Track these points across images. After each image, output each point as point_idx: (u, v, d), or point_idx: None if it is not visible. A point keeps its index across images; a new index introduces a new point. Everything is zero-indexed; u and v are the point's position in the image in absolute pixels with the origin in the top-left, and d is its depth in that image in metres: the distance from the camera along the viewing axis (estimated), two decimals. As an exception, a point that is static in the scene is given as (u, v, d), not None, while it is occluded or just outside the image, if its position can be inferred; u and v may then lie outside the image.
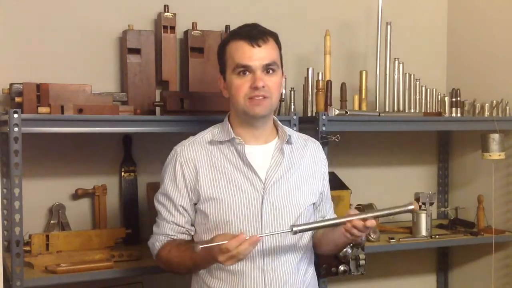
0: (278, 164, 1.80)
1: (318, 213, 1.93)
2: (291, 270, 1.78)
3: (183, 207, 1.80)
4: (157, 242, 1.84)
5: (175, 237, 1.82)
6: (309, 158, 1.89)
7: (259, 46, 1.72)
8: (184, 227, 1.82)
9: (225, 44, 1.78)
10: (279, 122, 1.87)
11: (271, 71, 1.74)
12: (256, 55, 1.72)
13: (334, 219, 1.75)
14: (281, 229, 1.74)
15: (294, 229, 1.65)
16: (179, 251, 1.76)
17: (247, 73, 1.72)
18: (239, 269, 1.74)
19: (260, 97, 1.72)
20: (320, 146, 1.97)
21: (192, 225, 1.84)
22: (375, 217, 1.67)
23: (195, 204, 1.80)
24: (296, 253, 1.81)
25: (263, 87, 1.71)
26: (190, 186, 1.79)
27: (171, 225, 1.82)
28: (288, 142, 1.83)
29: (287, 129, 1.86)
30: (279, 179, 1.79)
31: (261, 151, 1.81)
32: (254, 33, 1.73)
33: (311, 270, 1.90)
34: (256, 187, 1.76)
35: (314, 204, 1.89)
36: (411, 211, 1.70)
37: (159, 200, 1.85)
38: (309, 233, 1.87)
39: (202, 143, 1.82)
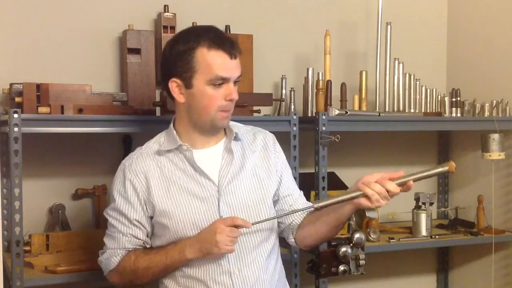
0: (228, 164, 1.77)
1: (285, 204, 1.86)
2: (259, 269, 1.74)
3: (138, 221, 1.75)
4: (113, 257, 1.76)
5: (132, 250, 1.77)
6: (260, 151, 1.84)
7: (235, 58, 1.71)
8: (142, 240, 1.77)
9: (193, 49, 1.69)
10: None
11: (236, 83, 1.74)
12: (233, 67, 1.71)
13: (354, 191, 1.65)
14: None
15: (315, 205, 1.64)
16: (149, 255, 1.73)
17: (222, 84, 1.70)
18: (204, 274, 1.71)
19: (229, 110, 1.73)
20: (271, 136, 1.90)
21: (148, 237, 1.79)
22: (402, 184, 1.63)
23: (151, 217, 1.76)
24: (263, 251, 1.77)
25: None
26: (144, 199, 1.75)
27: (129, 238, 1.76)
28: (236, 139, 1.80)
29: (234, 125, 1.82)
30: (233, 179, 1.76)
31: (210, 154, 1.77)
32: (230, 44, 1.70)
33: (279, 265, 1.85)
34: (211, 192, 1.73)
35: (275, 196, 1.84)
36: (446, 171, 1.65)
37: (111, 214, 1.79)
38: (275, 226, 1.83)
39: (150, 154, 1.78)
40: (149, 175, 1.75)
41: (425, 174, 1.67)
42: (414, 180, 1.65)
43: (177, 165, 1.76)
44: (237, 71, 1.72)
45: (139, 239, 1.77)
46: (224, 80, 1.70)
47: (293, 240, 1.87)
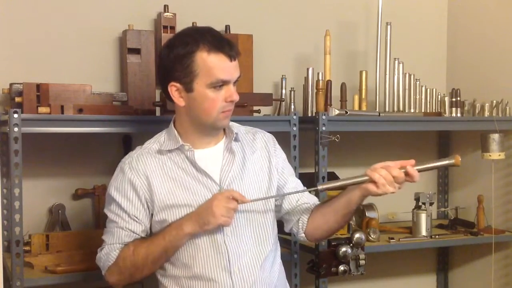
0: (230, 164, 1.77)
1: (292, 199, 1.87)
2: (258, 268, 1.74)
3: (136, 217, 1.74)
4: (112, 252, 1.74)
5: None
6: (260, 151, 1.85)
7: (234, 60, 1.71)
8: (139, 235, 1.76)
9: (192, 53, 1.67)
10: None
11: (235, 83, 1.74)
12: (233, 69, 1.71)
13: (361, 176, 1.66)
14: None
15: (319, 187, 1.64)
16: (147, 242, 1.72)
17: (223, 86, 1.70)
18: (204, 274, 1.71)
19: (230, 110, 1.74)
20: (270, 136, 1.91)
21: (146, 234, 1.78)
22: (406, 173, 1.63)
23: (152, 215, 1.76)
24: (262, 249, 1.77)
25: None
26: (145, 198, 1.74)
27: (127, 232, 1.74)
28: (236, 139, 1.81)
29: (234, 126, 1.83)
30: (234, 178, 1.76)
31: (211, 154, 1.78)
32: (229, 46, 1.70)
33: (278, 264, 1.85)
34: (213, 191, 1.73)
35: (279, 191, 1.85)
36: (452, 164, 1.66)
37: (111, 210, 1.77)
38: (275, 226, 1.84)
39: (151, 152, 1.78)
40: (150, 173, 1.74)
41: (431, 165, 1.69)
42: (420, 171, 1.66)
43: (179, 165, 1.76)
44: (237, 73, 1.73)
45: (137, 234, 1.75)
46: (225, 83, 1.70)
47: (303, 235, 1.87)
